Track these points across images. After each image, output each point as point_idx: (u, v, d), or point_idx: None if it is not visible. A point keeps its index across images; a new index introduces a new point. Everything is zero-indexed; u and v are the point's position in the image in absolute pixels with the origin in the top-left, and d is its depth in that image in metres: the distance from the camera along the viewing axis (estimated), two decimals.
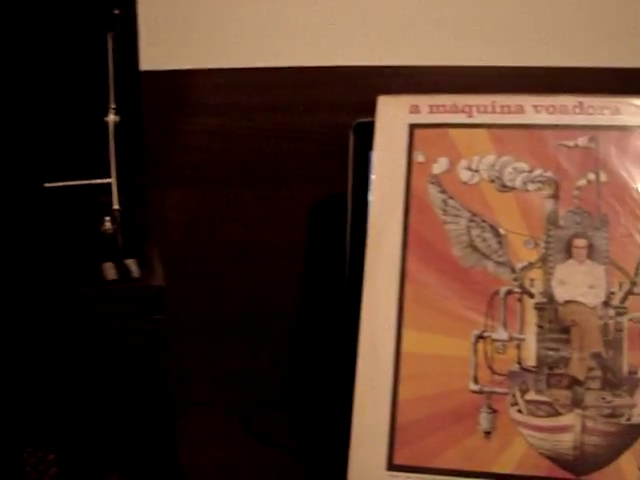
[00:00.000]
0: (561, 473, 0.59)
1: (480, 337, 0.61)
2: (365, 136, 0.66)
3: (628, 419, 0.59)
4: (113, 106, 0.57)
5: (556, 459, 0.59)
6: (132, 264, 0.53)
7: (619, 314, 0.60)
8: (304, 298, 0.75)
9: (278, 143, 0.74)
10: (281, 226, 0.75)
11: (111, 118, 0.56)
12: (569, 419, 0.59)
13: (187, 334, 0.75)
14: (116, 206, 0.56)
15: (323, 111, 0.74)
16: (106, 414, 0.53)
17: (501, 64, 0.74)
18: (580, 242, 0.61)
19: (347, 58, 0.73)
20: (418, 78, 0.73)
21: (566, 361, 0.60)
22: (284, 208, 0.75)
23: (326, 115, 0.73)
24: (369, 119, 0.66)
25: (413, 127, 0.65)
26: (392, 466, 0.60)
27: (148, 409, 0.54)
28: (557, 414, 0.60)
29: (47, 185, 0.58)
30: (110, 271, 0.52)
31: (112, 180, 0.56)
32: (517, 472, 0.59)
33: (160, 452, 0.57)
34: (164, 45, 0.72)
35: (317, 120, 0.74)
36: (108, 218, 0.56)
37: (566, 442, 0.59)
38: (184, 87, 0.73)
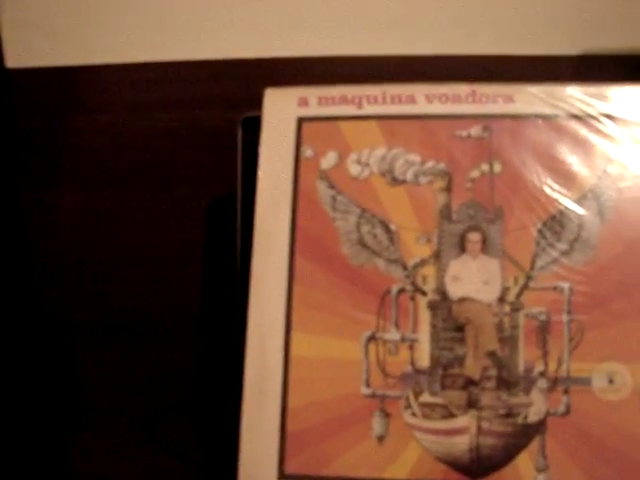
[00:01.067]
0: (457, 476, 0.57)
1: (371, 338, 0.59)
2: (256, 131, 0.63)
3: (524, 418, 0.57)
4: None
5: (452, 462, 0.57)
6: None
7: (514, 310, 0.58)
8: (204, 301, 0.72)
9: (172, 141, 0.71)
10: (178, 227, 0.72)
11: None
12: (464, 421, 0.57)
13: (84, 340, 0.72)
14: None
15: (218, 106, 0.71)
16: None
17: (398, 53, 0.71)
18: (474, 236, 0.59)
19: (239, 50, 0.70)
20: (313, 70, 0.70)
21: (461, 361, 0.58)
22: (180, 208, 0.72)
23: (221, 110, 0.71)
24: (257, 113, 0.63)
25: (301, 121, 0.62)
26: (283, 476, 0.58)
27: None
28: (452, 416, 0.57)
29: None
30: None
31: None
32: (412, 477, 0.57)
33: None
34: (51, 41, 0.69)
35: (212, 115, 0.71)
36: None
37: (461, 445, 0.57)
38: (71, 84, 0.70)
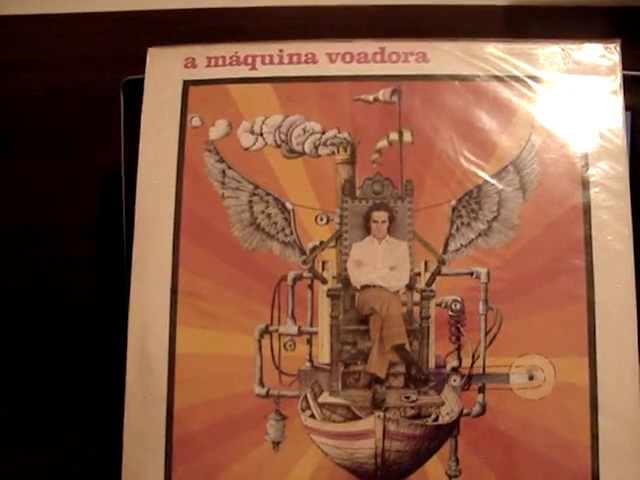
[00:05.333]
0: None
1: (265, 332, 0.53)
2: (139, 95, 0.56)
3: (435, 419, 0.52)
4: None
5: (355, 469, 0.52)
6: None
7: (425, 298, 0.53)
8: (100, 281, 0.66)
9: (50, 104, 0.64)
10: (69, 200, 0.65)
11: None
12: (368, 423, 0.52)
13: None
14: None
15: (100, 65, 0.63)
16: None
17: (298, 4, 0.64)
18: (380, 215, 0.53)
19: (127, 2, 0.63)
20: (200, 24, 0.63)
21: (364, 356, 0.52)
22: (71, 180, 0.65)
23: (104, 70, 0.63)
24: (141, 76, 0.55)
25: (188, 84, 0.55)
26: None
27: None
28: (355, 418, 0.52)
29: None
30: None
31: None
32: None
33: None
34: None
35: (95, 76, 0.63)
36: None
37: (366, 449, 0.52)
38: None
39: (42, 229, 0.66)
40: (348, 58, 0.55)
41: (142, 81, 0.56)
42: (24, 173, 0.65)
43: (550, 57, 0.54)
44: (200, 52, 0.56)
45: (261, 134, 0.54)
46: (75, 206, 0.65)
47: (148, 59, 0.56)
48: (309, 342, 0.53)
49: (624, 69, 0.54)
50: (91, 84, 0.63)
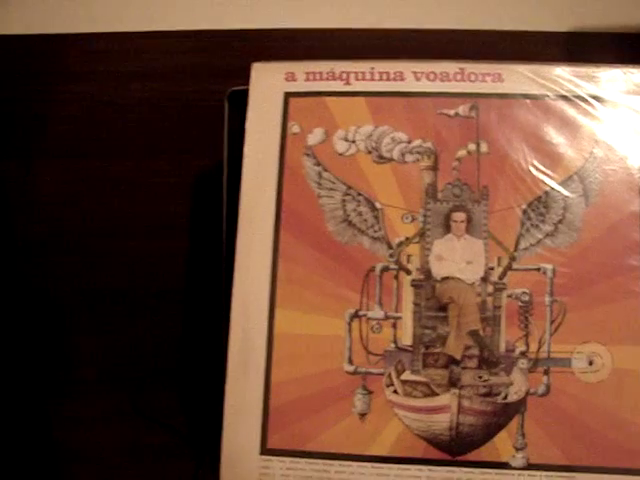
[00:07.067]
0: (437, 454, 0.57)
1: (355, 316, 0.59)
2: (242, 105, 0.63)
3: (504, 398, 0.57)
4: None
5: (432, 440, 0.57)
6: None
7: (497, 290, 0.58)
8: (190, 272, 0.72)
9: (156, 111, 0.70)
10: (163, 198, 0.72)
11: None
12: (445, 399, 0.58)
13: (71, 310, 0.72)
14: None
15: (203, 77, 0.70)
16: None
17: (388, 27, 0.71)
18: (459, 216, 0.59)
19: (226, 22, 0.69)
20: (301, 43, 0.70)
21: (443, 340, 0.58)
22: (165, 179, 0.71)
23: (207, 81, 0.70)
24: (245, 87, 0.62)
25: (288, 96, 0.62)
26: (266, 450, 0.58)
27: None
28: (433, 394, 0.58)
29: None
30: None
31: None
32: (393, 454, 0.57)
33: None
34: (31, 9, 0.68)
35: (198, 87, 0.70)
36: None
37: (442, 423, 0.57)
38: (54, 53, 0.69)
39: (138, 224, 0.72)
40: (432, 76, 0.61)
41: (245, 92, 0.62)
42: (127, 173, 0.71)
43: (612, 79, 0.60)
44: (299, 68, 0.62)
45: (354, 141, 0.61)
46: (172, 202, 0.71)
47: (252, 73, 0.62)
48: (394, 326, 0.59)
49: None
50: (193, 94, 0.70)
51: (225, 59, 0.70)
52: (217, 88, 0.65)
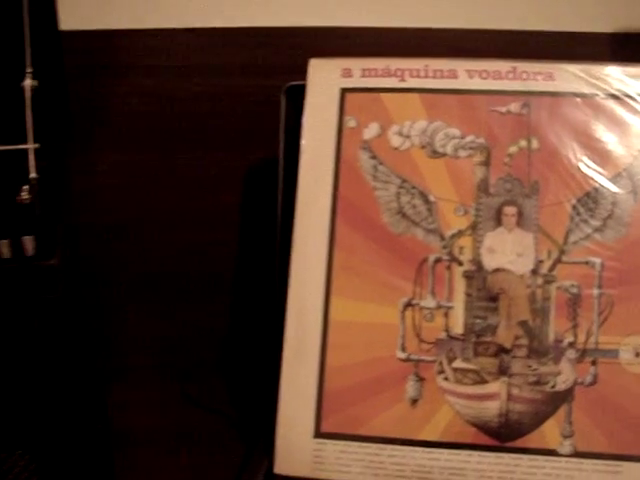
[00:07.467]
0: (486, 440, 0.59)
1: (408, 305, 0.60)
2: (297, 99, 0.65)
3: (553, 387, 0.59)
4: (29, 70, 0.55)
5: (482, 426, 0.59)
6: (29, 242, 0.52)
7: (547, 282, 0.60)
8: (240, 263, 0.74)
9: (213, 105, 0.73)
10: (216, 190, 0.74)
11: (27, 83, 0.54)
12: (495, 387, 0.59)
13: (122, 299, 0.74)
14: (33, 174, 0.54)
15: (259, 72, 0.72)
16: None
17: (442, 26, 0.72)
18: (510, 210, 0.61)
19: (283, 19, 0.71)
20: (356, 40, 0.71)
21: (493, 329, 0.60)
22: (219, 171, 0.74)
23: (262, 77, 0.72)
24: (301, 82, 0.64)
25: (345, 91, 0.64)
26: (319, 434, 0.60)
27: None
28: (483, 382, 0.59)
29: None
30: (4, 249, 0.51)
31: (29, 147, 0.54)
32: (443, 439, 0.59)
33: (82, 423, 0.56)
34: (95, 4, 0.70)
35: (253, 82, 0.72)
36: (26, 187, 0.54)
37: (492, 409, 0.59)
38: (117, 48, 0.71)
39: (194, 215, 0.74)
40: (484, 75, 0.63)
41: (301, 87, 0.64)
42: (184, 165, 0.74)
43: None
44: (356, 64, 0.64)
45: (408, 136, 0.63)
46: (228, 194, 0.73)
47: (310, 69, 0.64)
48: (446, 315, 0.60)
49: None
50: (249, 89, 0.72)
51: (280, 56, 0.72)
52: (272, 83, 0.67)
